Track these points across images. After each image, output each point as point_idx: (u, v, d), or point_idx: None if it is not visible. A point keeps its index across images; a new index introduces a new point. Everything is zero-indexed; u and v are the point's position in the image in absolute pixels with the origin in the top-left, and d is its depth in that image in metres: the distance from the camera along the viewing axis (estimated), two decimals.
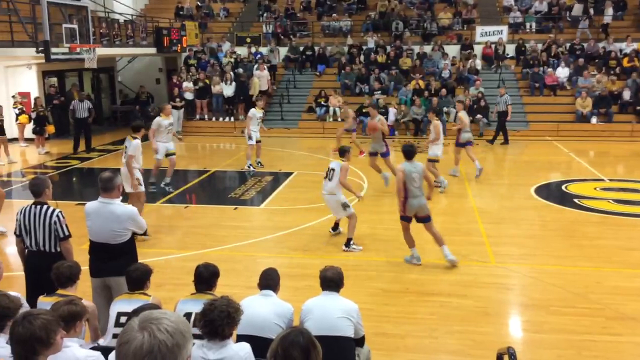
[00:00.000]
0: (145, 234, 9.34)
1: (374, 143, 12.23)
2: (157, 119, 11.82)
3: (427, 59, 22.21)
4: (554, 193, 12.25)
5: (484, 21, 23.87)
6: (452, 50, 22.84)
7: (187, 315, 4.29)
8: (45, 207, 5.56)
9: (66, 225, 5.55)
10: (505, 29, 23.01)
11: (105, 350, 3.77)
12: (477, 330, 6.27)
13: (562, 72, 20.89)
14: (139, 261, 5.33)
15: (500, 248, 8.82)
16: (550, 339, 6.08)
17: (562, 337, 6.11)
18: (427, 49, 22.77)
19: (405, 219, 8.03)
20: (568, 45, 22.11)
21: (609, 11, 22.63)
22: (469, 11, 24.21)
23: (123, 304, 4.48)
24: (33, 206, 5.58)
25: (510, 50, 22.70)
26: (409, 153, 7.99)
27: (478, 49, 22.57)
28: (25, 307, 4.31)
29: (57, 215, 5.52)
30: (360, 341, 4.62)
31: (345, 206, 8.68)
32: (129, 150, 9.39)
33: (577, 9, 23.14)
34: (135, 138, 9.47)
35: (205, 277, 4.60)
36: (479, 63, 21.77)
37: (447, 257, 7.94)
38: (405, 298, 7.08)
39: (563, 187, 12.54)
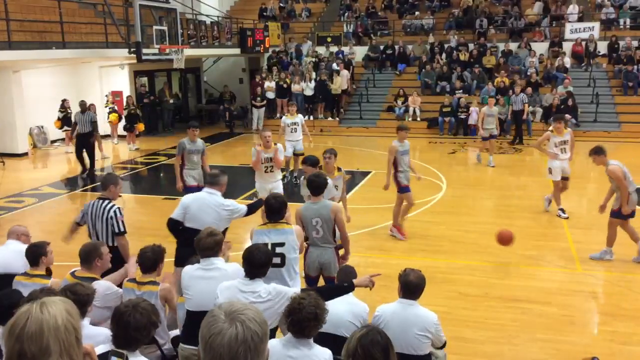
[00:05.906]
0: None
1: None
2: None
3: (513, 57, 21.54)
4: None
5: (574, 17, 22.83)
6: (540, 47, 22.01)
7: (264, 245, 4.47)
8: (106, 202, 5.86)
9: (122, 222, 5.81)
10: (597, 25, 21.91)
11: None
12: (561, 339, 6.02)
13: None
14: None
15: (587, 255, 8.42)
16: (639, 352, 5.75)
17: None
18: (513, 46, 22.07)
19: None
20: None
21: None
22: (558, 7, 23.25)
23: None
24: (97, 200, 5.93)
25: (602, 47, 21.62)
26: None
27: (567, 46, 21.66)
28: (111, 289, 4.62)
29: (115, 211, 5.79)
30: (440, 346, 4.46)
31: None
32: None
33: None
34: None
35: (276, 208, 4.78)
36: (568, 61, 20.88)
37: None
38: (484, 303, 6.90)
39: None
